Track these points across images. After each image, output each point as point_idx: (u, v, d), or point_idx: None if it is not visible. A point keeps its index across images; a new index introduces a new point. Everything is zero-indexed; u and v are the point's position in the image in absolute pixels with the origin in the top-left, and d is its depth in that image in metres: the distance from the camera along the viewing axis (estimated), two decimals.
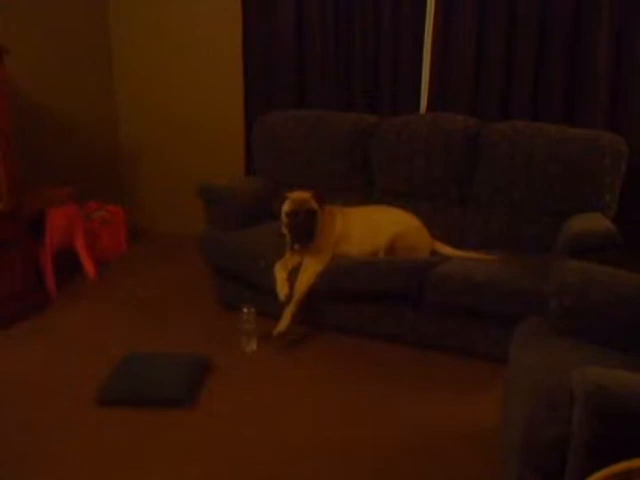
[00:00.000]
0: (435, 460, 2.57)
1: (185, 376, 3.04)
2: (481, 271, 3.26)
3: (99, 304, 4.06)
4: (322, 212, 3.61)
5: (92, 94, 5.14)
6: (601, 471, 1.47)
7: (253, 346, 3.45)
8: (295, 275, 3.53)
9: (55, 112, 4.71)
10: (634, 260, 2.96)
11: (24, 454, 2.60)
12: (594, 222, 3.14)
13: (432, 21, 4.09)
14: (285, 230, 3.59)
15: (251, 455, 2.60)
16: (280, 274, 3.53)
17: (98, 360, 3.28)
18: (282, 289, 3.49)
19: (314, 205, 3.55)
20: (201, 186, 3.88)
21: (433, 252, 3.58)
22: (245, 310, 3.42)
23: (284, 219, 3.58)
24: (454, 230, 3.74)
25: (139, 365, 3.13)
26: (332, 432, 2.75)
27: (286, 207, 3.57)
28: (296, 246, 3.56)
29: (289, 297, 3.48)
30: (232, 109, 4.87)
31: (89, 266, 4.45)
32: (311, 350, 3.48)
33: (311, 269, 3.51)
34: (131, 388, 2.97)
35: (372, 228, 3.62)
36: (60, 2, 4.69)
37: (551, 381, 2.01)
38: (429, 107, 4.24)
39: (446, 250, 3.58)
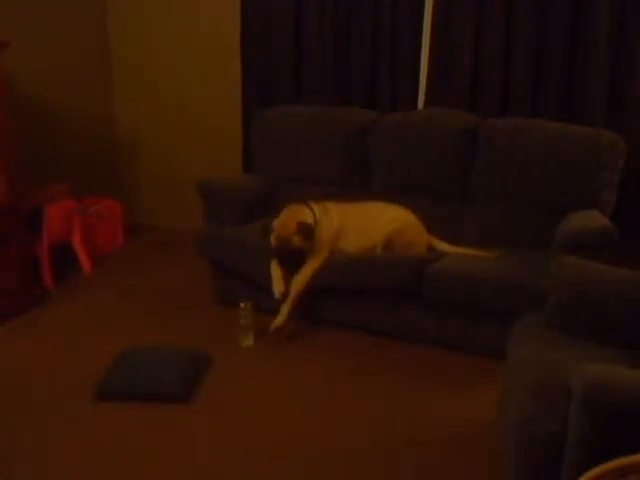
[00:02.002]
0: (432, 455, 2.57)
1: (182, 370, 3.04)
2: (478, 267, 3.26)
3: (96, 299, 4.06)
4: (311, 243, 3.50)
5: (90, 89, 5.12)
6: (598, 467, 1.48)
7: (250, 341, 3.46)
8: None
9: (52, 107, 4.69)
10: (631, 257, 2.97)
11: (22, 447, 2.60)
12: (592, 219, 3.15)
13: (430, 16, 4.08)
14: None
15: (248, 449, 2.60)
16: (276, 271, 3.53)
17: (96, 355, 3.28)
18: (277, 286, 3.50)
19: (298, 242, 3.46)
20: (199, 181, 3.88)
21: (430, 248, 3.59)
22: (242, 305, 3.43)
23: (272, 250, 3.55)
24: (452, 226, 3.73)
25: (136, 359, 3.13)
26: (329, 426, 2.76)
27: (272, 241, 3.52)
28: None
29: (285, 294, 3.48)
30: (230, 104, 4.86)
31: (85, 261, 4.45)
32: (308, 345, 3.48)
33: (308, 266, 3.51)
34: (129, 382, 2.97)
35: (370, 224, 3.62)
36: None
37: (548, 377, 2.02)
38: (427, 103, 4.24)
39: (443, 246, 3.59)
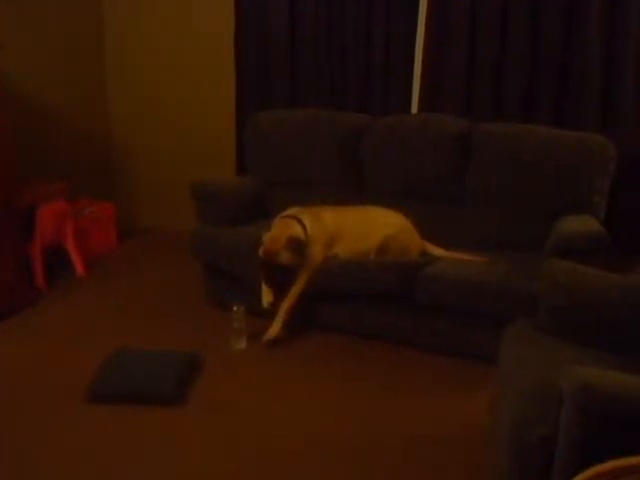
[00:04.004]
0: (426, 458, 2.58)
1: (174, 373, 3.03)
2: (471, 272, 3.27)
3: (88, 300, 4.06)
4: (301, 259, 3.45)
5: (85, 90, 5.12)
6: (587, 470, 1.48)
7: (243, 344, 3.46)
8: None
9: (46, 107, 4.69)
10: (622, 262, 2.98)
11: (13, 449, 2.59)
12: (584, 224, 3.17)
13: (424, 21, 4.10)
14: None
15: (240, 452, 2.60)
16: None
17: (87, 356, 3.27)
18: (266, 296, 3.50)
19: (286, 258, 3.41)
20: (194, 183, 3.88)
21: (423, 253, 3.59)
22: (235, 308, 3.43)
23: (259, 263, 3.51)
24: (445, 230, 3.74)
25: (128, 361, 3.12)
26: (320, 430, 2.76)
27: (260, 254, 3.45)
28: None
29: (273, 305, 3.48)
30: (224, 107, 4.87)
31: (78, 263, 4.44)
32: (301, 348, 3.48)
33: (301, 278, 3.50)
34: (120, 384, 2.96)
35: (365, 229, 3.60)
36: None
37: (540, 381, 2.03)
38: (420, 107, 4.25)
39: (436, 251, 3.59)
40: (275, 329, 3.46)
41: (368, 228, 3.61)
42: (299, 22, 4.41)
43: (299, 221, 3.54)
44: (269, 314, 3.51)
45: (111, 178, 5.45)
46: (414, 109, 4.28)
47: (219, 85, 4.90)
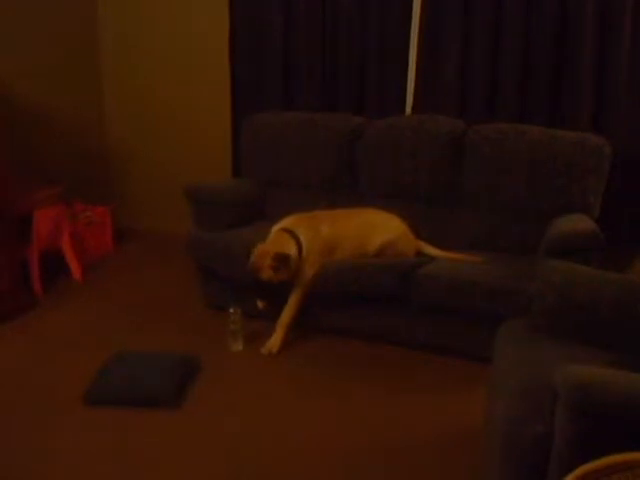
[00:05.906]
0: (422, 457, 2.58)
1: (171, 376, 3.04)
2: (466, 272, 3.28)
3: (85, 304, 4.05)
4: (287, 270, 3.39)
5: (80, 94, 5.12)
6: (581, 467, 1.49)
7: (239, 346, 3.46)
8: None
9: (42, 112, 4.69)
10: (616, 261, 3.00)
11: (9, 453, 2.58)
12: (579, 223, 3.17)
13: (418, 22, 4.11)
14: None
15: (238, 455, 2.60)
16: None
17: (84, 360, 3.27)
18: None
19: (268, 275, 3.35)
20: (187, 187, 3.88)
21: (418, 253, 3.60)
22: (231, 310, 3.43)
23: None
24: (440, 231, 3.75)
25: (126, 365, 3.12)
26: (319, 431, 2.76)
27: (249, 267, 3.43)
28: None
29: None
30: (220, 109, 4.87)
31: (75, 267, 4.43)
32: (299, 350, 3.48)
33: (297, 291, 3.50)
34: (118, 388, 2.97)
35: (363, 236, 3.59)
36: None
37: (534, 380, 2.03)
38: (415, 109, 4.26)
39: (431, 251, 3.60)
40: (275, 344, 3.45)
41: (366, 234, 3.60)
42: (293, 25, 4.42)
43: (294, 236, 3.48)
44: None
45: (107, 181, 5.44)
46: (408, 110, 4.28)
47: (215, 89, 4.90)
